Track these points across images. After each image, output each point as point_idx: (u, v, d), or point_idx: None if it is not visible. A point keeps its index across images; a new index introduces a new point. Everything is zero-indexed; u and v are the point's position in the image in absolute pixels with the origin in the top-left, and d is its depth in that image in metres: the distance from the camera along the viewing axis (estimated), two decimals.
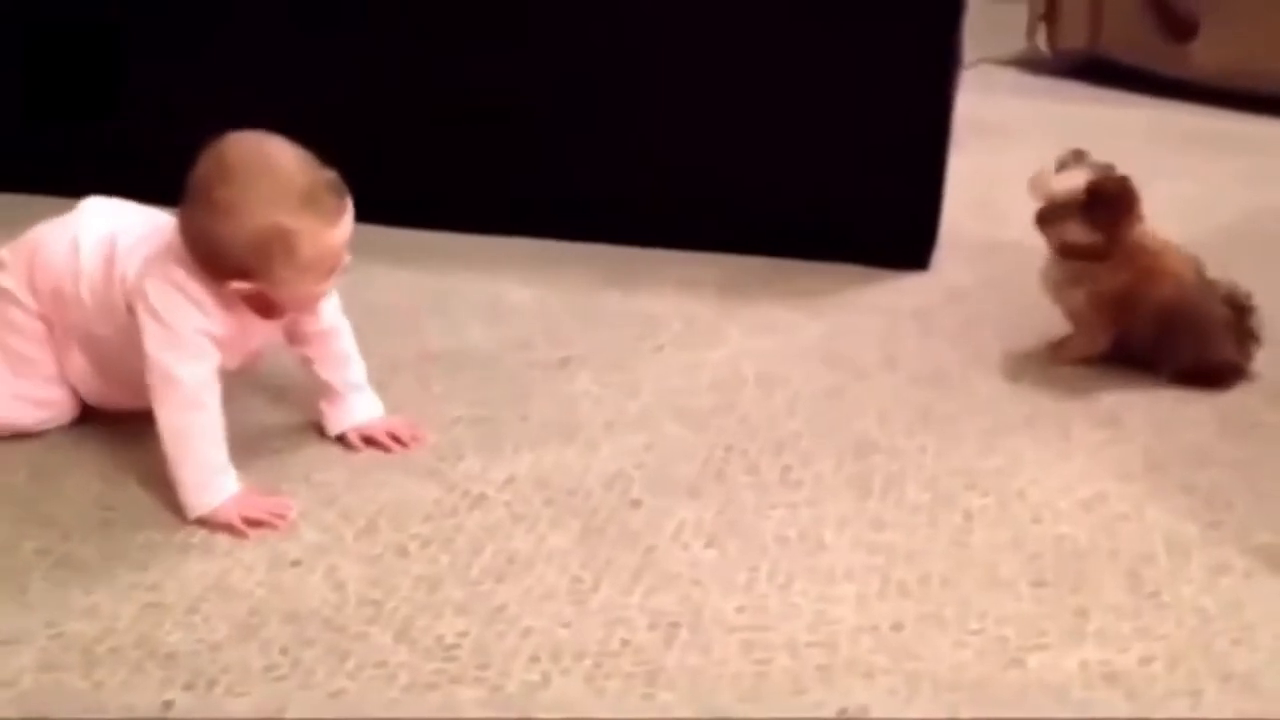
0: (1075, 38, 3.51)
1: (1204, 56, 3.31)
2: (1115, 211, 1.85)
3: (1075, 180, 1.86)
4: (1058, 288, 1.92)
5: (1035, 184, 1.88)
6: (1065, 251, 1.88)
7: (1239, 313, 1.89)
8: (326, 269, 1.49)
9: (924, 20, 2.17)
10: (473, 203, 2.29)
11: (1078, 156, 1.89)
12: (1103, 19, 3.46)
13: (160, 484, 1.52)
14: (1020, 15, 3.63)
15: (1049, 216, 1.87)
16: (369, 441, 1.65)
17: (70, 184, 1.99)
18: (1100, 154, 2.88)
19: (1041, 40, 3.58)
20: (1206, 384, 1.86)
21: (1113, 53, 3.45)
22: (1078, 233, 1.86)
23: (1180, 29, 3.34)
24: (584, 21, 2.21)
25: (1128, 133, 3.06)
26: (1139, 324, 1.88)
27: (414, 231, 2.20)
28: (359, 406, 1.66)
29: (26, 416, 1.62)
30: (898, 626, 1.37)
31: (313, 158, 1.48)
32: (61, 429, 1.65)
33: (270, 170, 1.45)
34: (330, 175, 1.47)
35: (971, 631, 1.37)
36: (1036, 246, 1.97)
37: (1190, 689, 1.30)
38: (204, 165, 1.46)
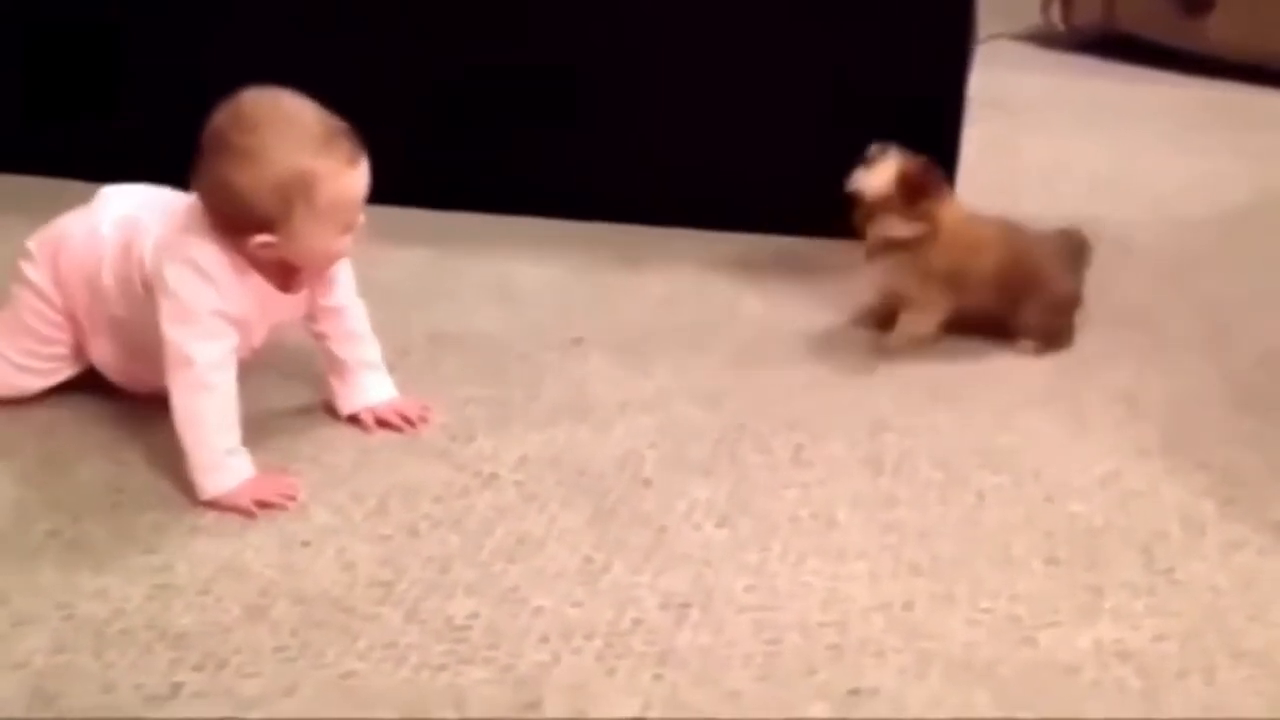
0: (1090, 12, 3.48)
1: (1220, 31, 3.28)
2: (928, 197, 1.83)
3: (884, 175, 1.83)
4: (887, 274, 1.88)
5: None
6: (892, 245, 1.85)
7: (1069, 242, 1.93)
8: (345, 220, 1.49)
9: None
10: (481, 182, 2.28)
11: (882, 150, 1.85)
12: None
13: (171, 466, 1.52)
14: None
15: (867, 216, 1.85)
16: (381, 423, 1.65)
17: (70, 183, 1.98)
18: (1116, 130, 2.89)
19: (1056, 15, 3.54)
20: (1059, 333, 1.89)
21: (1128, 27, 3.42)
22: (899, 227, 1.83)
23: (1196, 3, 3.31)
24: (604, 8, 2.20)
25: (1143, 108, 3.05)
26: (975, 296, 1.87)
27: (421, 211, 2.19)
28: (372, 386, 1.66)
29: (26, 381, 1.64)
30: (909, 605, 1.37)
31: (326, 109, 1.48)
32: (68, 412, 1.65)
33: (287, 117, 1.46)
34: (345, 124, 1.48)
35: (983, 610, 1.36)
36: (1052, 222, 1.96)
37: (1203, 666, 1.29)
38: (220, 118, 1.47)
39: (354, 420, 1.66)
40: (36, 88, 2.34)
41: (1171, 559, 1.45)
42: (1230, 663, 1.30)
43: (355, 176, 1.48)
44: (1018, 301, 1.88)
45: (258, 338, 1.57)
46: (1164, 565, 1.44)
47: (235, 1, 2.26)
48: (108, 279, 1.57)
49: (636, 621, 1.34)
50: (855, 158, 2.19)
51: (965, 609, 1.36)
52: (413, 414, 1.66)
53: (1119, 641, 1.32)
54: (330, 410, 1.67)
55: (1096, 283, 2.00)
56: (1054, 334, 1.90)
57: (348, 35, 2.23)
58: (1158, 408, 1.76)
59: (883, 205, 1.83)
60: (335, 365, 1.66)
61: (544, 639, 1.31)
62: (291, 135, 1.45)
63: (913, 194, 1.82)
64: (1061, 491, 1.56)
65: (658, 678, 1.27)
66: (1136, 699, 1.25)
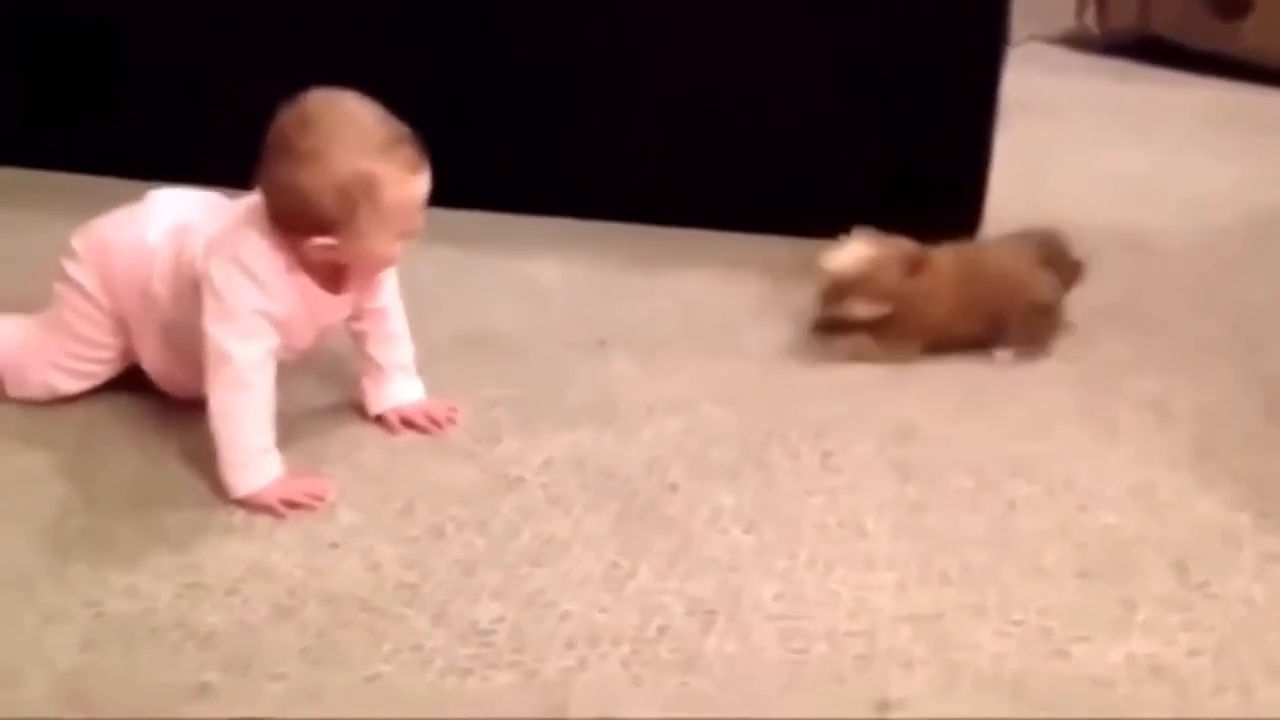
0: (1125, 15, 3.45)
1: (1256, 35, 3.25)
2: (898, 277, 1.83)
3: (853, 256, 1.84)
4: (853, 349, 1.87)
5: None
6: (857, 326, 1.85)
7: (1045, 248, 1.90)
8: (405, 224, 1.50)
9: None
10: (503, 181, 2.26)
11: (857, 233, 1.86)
12: None
13: (203, 465, 1.52)
14: None
15: (832, 297, 1.85)
16: (407, 423, 1.65)
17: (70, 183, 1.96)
18: (1149, 134, 2.86)
19: (1091, 18, 3.52)
20: (1039, 339, 1.88)
21: (1163, 31, 3.40)
22: (863, 308, 1.83)
23: (1232, 7, 3.28)
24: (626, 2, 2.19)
25: (1177, 112, 3.02)
26: (956, 330, 1.86)
27: (445, 210, 2.17)
28: (401, 388, 1.66)
29: (66, 384, 1.64)
30: (938, 616, 1.36)
31: (389, 113, 1.48)
32: (106, 408, 1.65)
33: (352, 120, 1.47)
34: (407, 129, 1.48)
35: (1013, 622, 1.35)
36: (1084, 227, 1.94)
37: (1239, 683, 1.28)
38: (284, 120, 1.47)
39: (380, 421, 1.66)
40: (37, 87, 2.34)
41: (1206, 572, 1.43)
42: (1267, 679, 1.28)
43: (418, 183, 1.49)
44: (1002, 317, 1.86)
45: (303, 340, 1.57)
46: (1198, 579, 1.42)
47: (235, 1, 2.25)
48: (158, 286, 1.57)
49: (662, 628, 1.33)
50: (886, 161, 2.19)
51: (995, 620, 1.35)
52: (439, 415, 1.66)
53: (1152, 656, 1.31)
54: (361, 411, 1.67)
55: (1126, 288, 1.99)
56: (1034, 340, 1.87)
57: (347, 35, 2.22)
58: (1190, 417, 1.74)
59: (845, 289, 1.83)
60: (369, 365, 1.66)
61: (570, 644, 1.30)
62: (355, 138, 1.45)
63: (880, 280, 1.82)
64: (1094, 502, 1.55)
65: (684, 685, 1.26)
66: (1170, 715, 1.24)
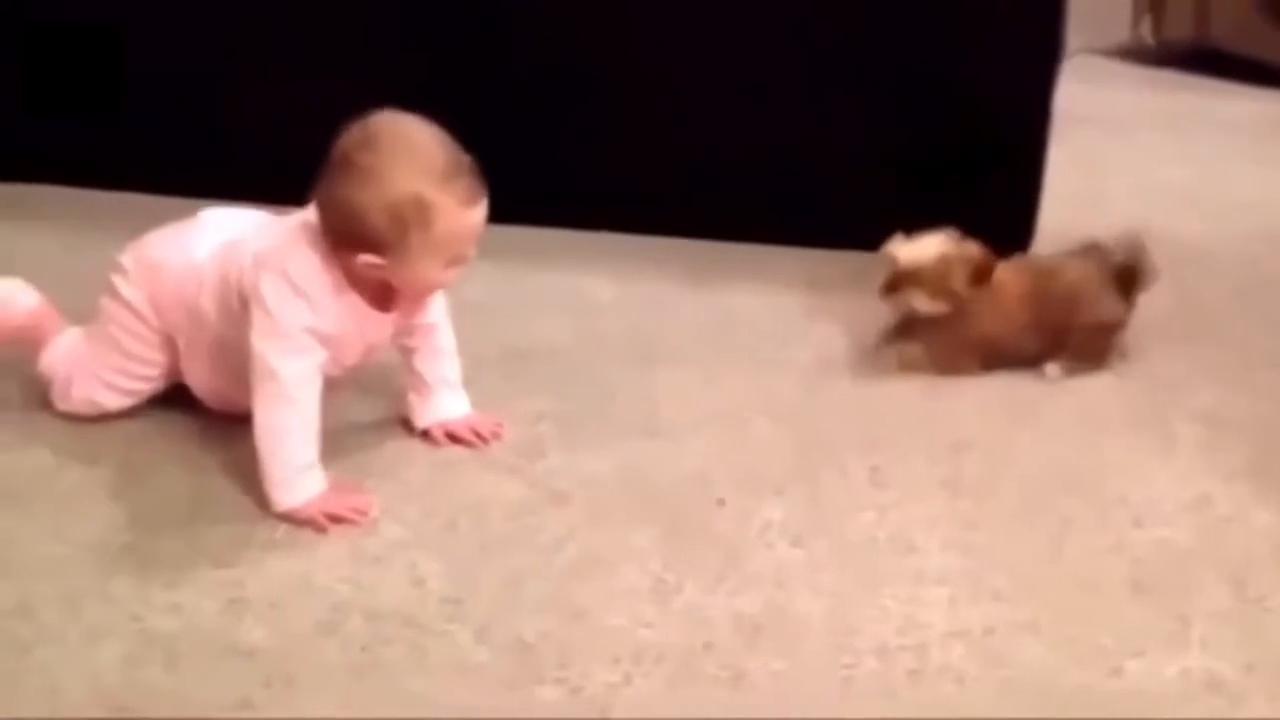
0: (1181, 27, 3.41)
1: None
2: (963, 280, 1.80)
3: (924, 250, 1.81)
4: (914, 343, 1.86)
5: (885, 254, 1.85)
6: (910, 322, 1.84)
7: (1120, 269, 1.86)
8: (455, 253, 1.50)
9: (1026, 8, 2.11)
10: (550, 196, 2.26)
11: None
12: (1209, 7, 3.36)
13: (247, 480, 1.53)
14: (1124, 4, 3.54)
15: (893, 285, 1.83)
16: (452, 438, 1.65)
17: (71, 183, 1.97)
18: (1203, 145, 2.83)
19: (1146, 29, 3.48)
20: (1095, 356, 1.84)
21: (1220, 42, 3.35)
22: (923, 302, 1.81)
23: None
24: (662, 9, 2.18)
25: (1234, 124, 2.98)
26: (1014, 349, 1.83)
27: (492, 226, 2.18)
28: (447, 403, 1.66)
29: (111, 401, 1.65)
30: (990, 631, 1.33)
31: (453, 141, 1.48)
32: (151, 423, 1.66)
33: (414, 144, 1.47)
34: (470, 160, 1.48)
35: (1067, 638, 1.32)
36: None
37: None
38: (348, 137, 1.48)
39: (426, 435, 1.65)
40: (37, 88, 2.35)
41: (1263, 587, 1.40)
42: None
43: (473, 214, 1.49)
44: (1065, 334, 1.83)
45: (350, 356, 1.57)
46: (1255, 593, 1.39)
47: (235, 2, 2.26)
48: (207, 303, 1.58)
49: (709, 644, 1.32)
50: (937, 174, 2.17)
51: (1049, 636, 1.33)
52: (485, 430, 1.66)
53: (1208, 671, 1.28)
54: (406, 424, 1.67)
55: (1179, 300, 1.96)
56: (1092, 356, 1.84)
57: (348, 35, 2.22)
58: (1244, 429, 1.71)
59: (910, 280, 1.81)
60: (416, 380, 1.66)
61: (615, 660, 1.29)
62: (414, 162, 1.46)
63: (948, 278, 1.80)
64: (1148, 516, 1.52)
65: (730, 701, 1.24)
66: None
